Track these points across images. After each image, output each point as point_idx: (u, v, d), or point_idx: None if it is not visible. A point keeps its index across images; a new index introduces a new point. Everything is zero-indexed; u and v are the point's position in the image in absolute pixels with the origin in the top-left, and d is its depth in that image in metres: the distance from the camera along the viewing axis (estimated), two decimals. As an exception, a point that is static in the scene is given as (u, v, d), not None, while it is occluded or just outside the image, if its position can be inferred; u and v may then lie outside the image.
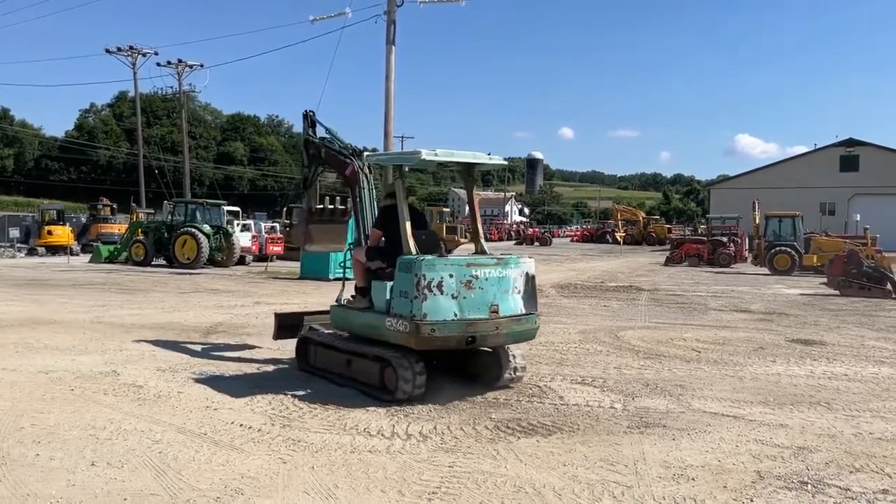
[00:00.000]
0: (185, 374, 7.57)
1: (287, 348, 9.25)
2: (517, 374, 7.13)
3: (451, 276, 6.34)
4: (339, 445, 5.24)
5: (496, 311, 6.52)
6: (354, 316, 7.23)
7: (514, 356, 7.09)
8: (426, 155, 6.79)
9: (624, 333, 10.92)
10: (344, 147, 8.59)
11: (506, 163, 7.33)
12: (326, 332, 7.76)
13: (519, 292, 6.72)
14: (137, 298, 14.78)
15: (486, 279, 6.50)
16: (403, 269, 6.44)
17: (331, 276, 19.57)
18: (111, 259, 25.64)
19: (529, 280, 6.82)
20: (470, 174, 7.58)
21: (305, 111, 9.03)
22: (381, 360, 6.65)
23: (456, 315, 6.34)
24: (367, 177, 8.38)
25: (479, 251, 7.27)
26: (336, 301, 7.76)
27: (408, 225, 6.69)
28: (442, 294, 6.30)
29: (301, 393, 6.82)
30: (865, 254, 19.56)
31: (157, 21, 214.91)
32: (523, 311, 6.75)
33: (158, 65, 41.04)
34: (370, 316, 6.90)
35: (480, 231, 7.57)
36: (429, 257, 6.47)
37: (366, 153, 8.37)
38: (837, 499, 4.41)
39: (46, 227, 32.61)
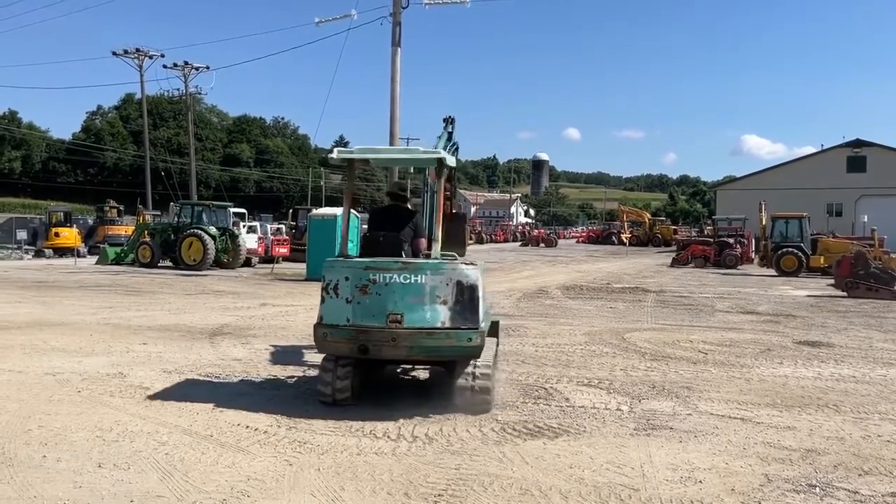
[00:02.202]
0: (192, 375, 7.58)
1: (289, 348, 9.25)
2: (471, 396, 6.08)
3: (346, 278, 5.97)
4: (345, 447, 5.23)
5: (398, 321, 5.86)
6: None
7: (473, 373, 6.09)
8: (337, 153, 6.54)
9: (630, 335, 10.88)
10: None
11: (441, 154, 6.45)
12: None
13: (443, 302, 5.90)
14: (144, 300, 14.82)
15: (386, 284, 5.91)
16: None
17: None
18: (118, 261, 25.71)
19: (464, 290, 5.94)
20: (438, 171, 6.86)
21: (449, 117, 8.68)
22: None
23: (348, 321, 5.93)
24: (425, 181, 8.41)
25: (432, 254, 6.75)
26: None
27: (343, 226, 6.61)
28: (337, 297, 5.98)
29: (307, 395, 6.81)
30: (873, 255, 19.51)
31: (163, 23, 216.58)
32: (446, 325, 5.90)
33: (165, 67, 41.28)
34: None
35: (439, 234, 6.71)
36: (331, 258, 6.27)
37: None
38: (846, 502, 4.38)
39: (53, 229, 32.70)
